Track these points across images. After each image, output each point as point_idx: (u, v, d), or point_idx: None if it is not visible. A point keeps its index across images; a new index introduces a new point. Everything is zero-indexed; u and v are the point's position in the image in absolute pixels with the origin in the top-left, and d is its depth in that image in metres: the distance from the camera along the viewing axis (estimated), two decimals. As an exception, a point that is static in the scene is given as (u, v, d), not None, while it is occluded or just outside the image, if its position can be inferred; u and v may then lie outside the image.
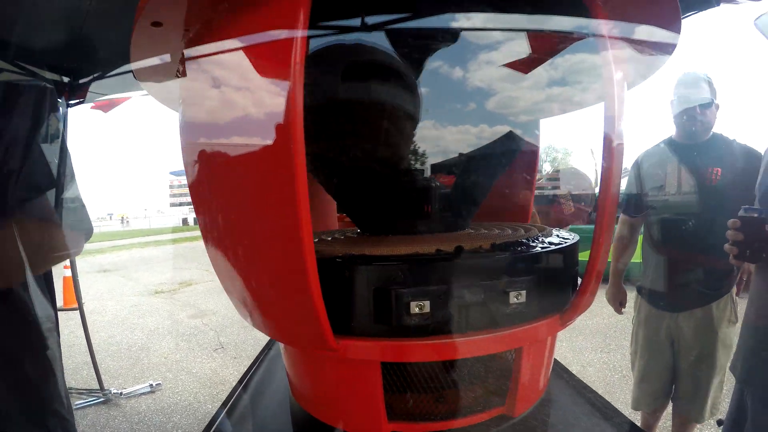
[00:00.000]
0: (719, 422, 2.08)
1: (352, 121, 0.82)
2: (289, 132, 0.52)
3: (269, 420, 1.01)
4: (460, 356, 0.68)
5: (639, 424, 2.80)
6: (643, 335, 2.55)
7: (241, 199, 0.64)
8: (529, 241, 0.75)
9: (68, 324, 6.57)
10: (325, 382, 0.77)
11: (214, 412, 1.06)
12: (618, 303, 2.72)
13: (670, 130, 2.43)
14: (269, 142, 0.55)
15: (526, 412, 0.77)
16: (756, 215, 1.43)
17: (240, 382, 1.24)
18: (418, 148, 0.89)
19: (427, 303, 0.61)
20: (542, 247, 0.72)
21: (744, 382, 1.67)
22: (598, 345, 4.85)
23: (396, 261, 0.64)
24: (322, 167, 0.87)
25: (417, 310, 0.61)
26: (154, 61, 0.75)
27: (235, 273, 0.70)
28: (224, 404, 1.09)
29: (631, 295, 2.71)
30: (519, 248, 0.71)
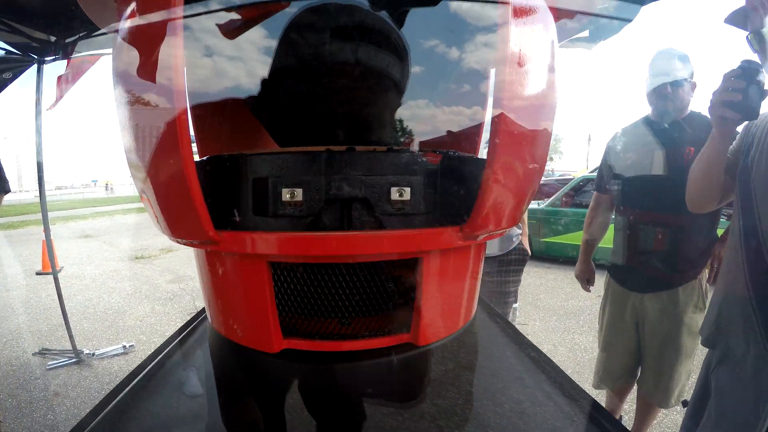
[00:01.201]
0: (684, 403, 2.09)
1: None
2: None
3: (194, 352, 1.04)
4: (342, 254, 0.65)
5: (604, 405, 2.86)
6: (608, 313, 2.56)
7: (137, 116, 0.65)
8: (435, 152, 0.72)
9: (45, 287, 6.60)
10: (223, 292, 0.78)
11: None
12: (585, 280, 2.74)
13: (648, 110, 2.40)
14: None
15: (436, 345, 0.76)
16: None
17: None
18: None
19: (300, 191, 0.61)
20: (440, 157, 0.70)
21: (708, 342, 1.71)
22: (570, 326, 4.90)
23: (278, 155, 0.64)
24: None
25: (288, 197, 0.61)
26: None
27: (141, 182, 0.69)
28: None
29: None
30: (414, 154, 0.68)
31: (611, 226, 2.67)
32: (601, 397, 2.73)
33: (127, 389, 0.91)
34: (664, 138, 2.25)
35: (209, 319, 0.87)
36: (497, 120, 0.61)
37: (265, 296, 0.66)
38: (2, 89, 3.46)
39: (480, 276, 0.87)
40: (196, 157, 0.89)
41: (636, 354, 2.48)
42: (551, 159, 38.33)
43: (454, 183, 0.70)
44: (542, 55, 0.69)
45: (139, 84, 0.63)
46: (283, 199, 0.61)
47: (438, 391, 0.77)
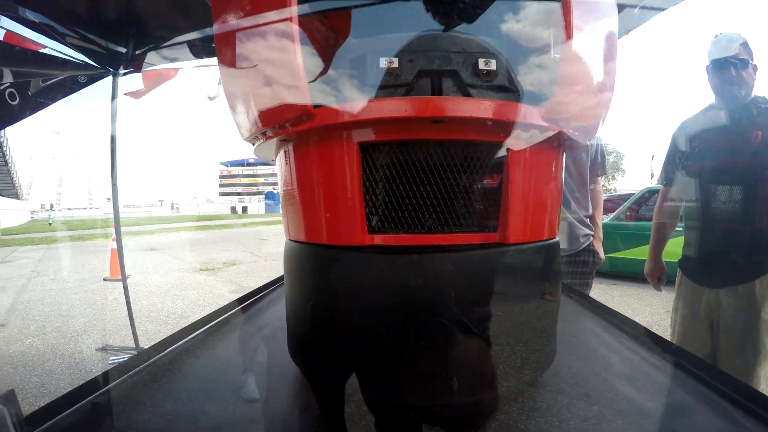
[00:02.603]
0: None
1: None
2: None
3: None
4: (429, 115, 0.63)
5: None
6: (681, 312, 2.40)
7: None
8: None
9: (113, 292, 6.94)
10: (310, 190, 0.78)
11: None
12: (655, 278, 2.59)
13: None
14: None
15: (525, 246, 0.74)
16: None
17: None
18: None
19: (396, 60, 0.62)
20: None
21: None
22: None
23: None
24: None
25: (385, 64, 0.62)
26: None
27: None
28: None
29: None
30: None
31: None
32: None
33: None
34: (731, 123, 2.12)
35: (289, 234, 0.89)
36: None
37: (354, 185, 0.67)
38: (75, 91, 3.64)
39: (559, 201, 0.85)
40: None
41: (711, 355, 2.29)
42: (613, 178, 37.30)
43: (539, 65, 0.70)
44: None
45: None
46: (380, 66, 0.62)
47: (520, 295, 0.75)
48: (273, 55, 0.65)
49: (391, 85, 0.63)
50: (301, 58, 0.62)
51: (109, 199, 4.62)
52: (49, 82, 3.33)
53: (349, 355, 0.77)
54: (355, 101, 0.64)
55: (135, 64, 3.86)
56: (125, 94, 4.37)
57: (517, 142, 0.66)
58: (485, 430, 0.79)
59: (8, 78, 2.87)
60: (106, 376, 1.05)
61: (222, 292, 7.52)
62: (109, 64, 3.75)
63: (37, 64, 3.15)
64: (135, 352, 4.30)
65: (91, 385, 1.01)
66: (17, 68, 2.95)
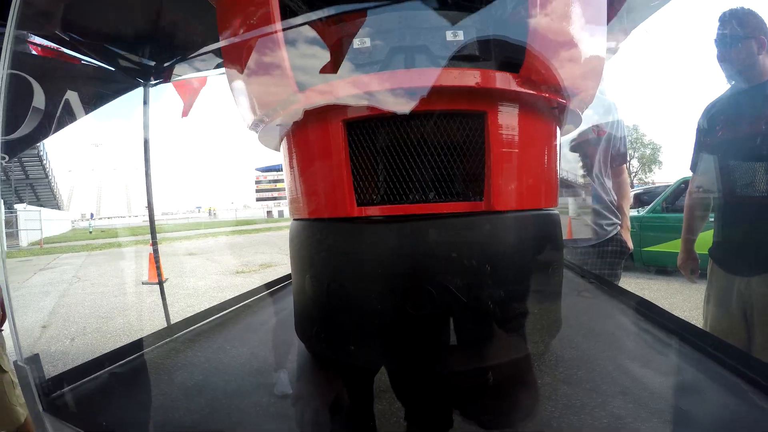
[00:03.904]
0: None
1: None
2: None
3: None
4: (404, 86, 0.65)
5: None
6: (713, 303, 2.31)
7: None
8: None
9: (151, 295, 7.15)
10: (304, 170, 0.83)
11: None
12: (689, 270, 2.51)
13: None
14: None
15: (513, 214, 0.75)
16: None
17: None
18: None
19: (368, 39, 0.65)
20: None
21: None
22: None
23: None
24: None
25: (358, 44, 0.66)
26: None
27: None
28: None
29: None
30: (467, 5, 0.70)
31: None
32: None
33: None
34: (757, 103, 2.03)
35: (292, 214, 0.95)
36: None
37: (341, 160, 0.71)
38: (106, 102, 3.77)
39: (555, 172, 0.85)
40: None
41: (745, 345, 2.17)
42: (650, 170, 36.32)
43: (509, 31, 0.70)
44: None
45: None
46: (354, 46, 0.67)
47: (512, 263, 0.75)
48: (261, 50, 0.71)
49: (367, 63, 0.67)
50: (284, 48, 0.67)
51: (146, 206, 4.74)
52: (84, 93, 3.45)
53: (344, 324, 0.80)
54: (336, 81, 0.70)
55: (164, 75, 3.98)
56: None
57: (492, 109, 0.67)
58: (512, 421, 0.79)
59: (41, 91, 2.99)
60: (125, 349, 1.12)
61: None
62: (139, 76, 3.87)
63: (72, 77, 3.28)
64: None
65: (111, 356, 1.08)
66: (53, 81, 3.08)
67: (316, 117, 0.73)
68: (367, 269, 0.76)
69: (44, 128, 3.28)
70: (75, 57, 3.30)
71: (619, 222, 2.75)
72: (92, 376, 1.03)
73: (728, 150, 2.14)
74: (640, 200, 9.14)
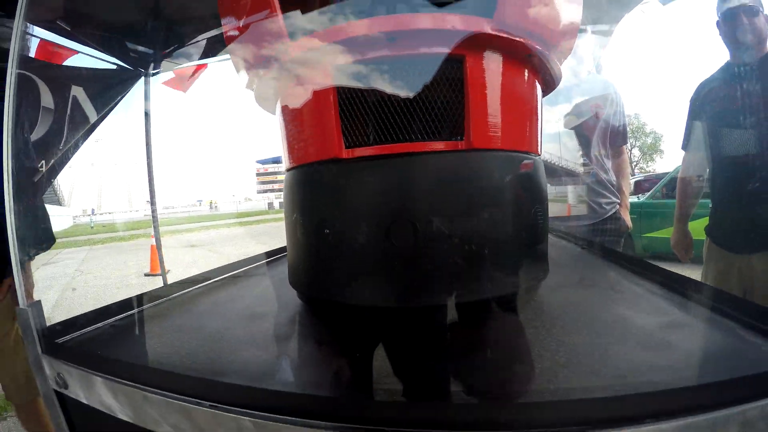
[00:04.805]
0: None
1: None
2: None
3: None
4: (386, 30, 0.70)
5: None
6: (711, 283, 2.25)
7: None
8: None
9: (154, 286, 7.12)
10: (297, 120, 0.88)
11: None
12: (683, 250, 2.50)
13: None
14: None
15: (493, 153, 0.79)
16: None
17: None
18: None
19: None
20: None
21: None
22: None
23: None
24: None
25: None
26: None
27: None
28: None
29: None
30: None
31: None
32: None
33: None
34: (752, 79, 1.99)
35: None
36: None
37: (330, 106, 0.76)
38: (120, 94, 3.79)
39: (539, 118, 0.88)
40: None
41: None
42: (652, 159, 36.25)
43: None
44: None
45: None
46: None
47: (493, 200, 0.78)
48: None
49: (352, 12, 0.72)
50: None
51: (148, 201, 4.76)
52: (92, 92, 3.47)
53: (333, 261, 0.83)
54: (323, 29, 0.74)
55: (164, 63, 3.99)
56: (171, 86, 4.46)
57: (467, 52, 0.71)
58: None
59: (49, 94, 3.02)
60: (126, 303, 1.17)
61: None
62: (139, 65, 3.88)
63: (76, 76, 3.32)
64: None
65: (112, 309, 1.12)
66: (58, 82, 3.12)
67: (304, 65, 0.79)
68: (355, 206, 0.82)
69: (60, 130, 3.33)
70: (74, 49, 3.33)
71: (618, 201, 2.77)
72: (94, 326, 1.07)
73: (723, 128, 2.12)
74: (641, 187, 9.16)
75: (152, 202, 4.78)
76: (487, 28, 0.72)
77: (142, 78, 3.96)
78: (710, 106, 2.19)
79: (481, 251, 0.77)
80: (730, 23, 2.01)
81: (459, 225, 0.75)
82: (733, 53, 2.09)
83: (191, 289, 1.40)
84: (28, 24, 1.91)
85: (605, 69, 3.13)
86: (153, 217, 4.85)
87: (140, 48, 3.72)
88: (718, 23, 2.09)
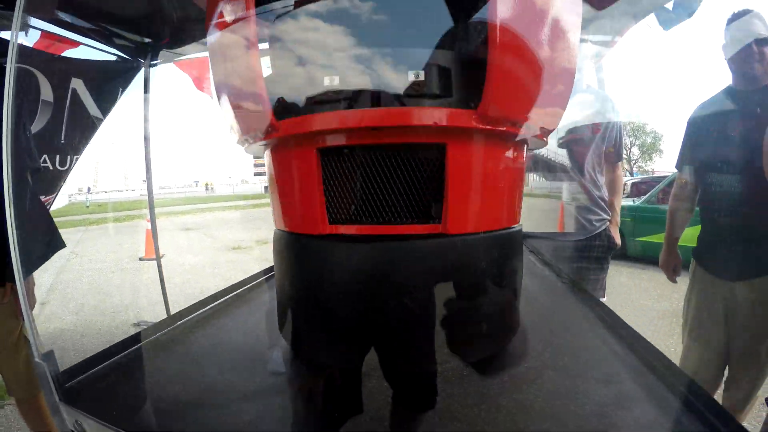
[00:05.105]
0: (767, 400, 1.78)
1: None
2: None
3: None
4: (368, 125, 0.74)
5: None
6: (694, 304, 2.31)
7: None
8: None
9: (148, 271, 7.20)
10: (283, 187, 0.94)
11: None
12: (671, 270, 2.49)
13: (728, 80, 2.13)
14: None
15: (469, 237, 0.82)
16: None
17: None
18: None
19: (336, 78, 0.73)
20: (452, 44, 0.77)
21: None
22: (661, 328, 4.55)
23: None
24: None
25: (328, 82, 0.72)
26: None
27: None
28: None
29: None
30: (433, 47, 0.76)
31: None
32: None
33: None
34: (752, 107, 1.99)
35: (275, 223, 1.04)
36: None
37: (314, 183, 0.80)
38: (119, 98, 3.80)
39: (520, 189, 0.91)
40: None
41: (724, 352, 2.21)
42: (650, 159, 36.34)
43: (468, 72, 0.76)
44: None
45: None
46: (324, 84, 0.73)
47: (464, 282, 0.81)
48: (241, 79, 0.80)
49: (335, 100, 0.74)
50: (263, 82, 0.75)
51: (144, 181, 4.77)
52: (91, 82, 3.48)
53: (314, 329, 0.91)
54: (309, 114, 0.77)
55: (159, 54, 4.00)
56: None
57: (452, 141, 0.74)
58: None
59: (49, 88, 3.03)
60: (132, 339, 1.22)
61: (254, 270, 7.67)
62: (139, 56, 3.91)
63: (77, 68, 3.35)
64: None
65: (118, 347, 1.16)
66: (59, 75, 3.14)
67: (293, 142, 0.83)
68: (335, 281, 0.86)
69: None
70: (75, 41, 3.33)
71: (609, 218, 2.79)
72: (103, 365, 1.10)
73: (719, 154, 2.12)
74: (637, 189, 9.19)
75: (149, 192, 4.79)
76: (471, 122, 0.74)
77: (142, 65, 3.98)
78: (707, 130, 2.19)
79: (452, 325, 0.82)
80: (739, 50, 2.00)
81: (427, 306, 0.80)
82: (737, 79, 2.09)
83: (193, 316, 1.41)
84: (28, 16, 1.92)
85: (605, 82, 3.13)
86: (150, 205, 4.86)
87: (138, 37, 3.72)
88: (724, 47, 2.08)
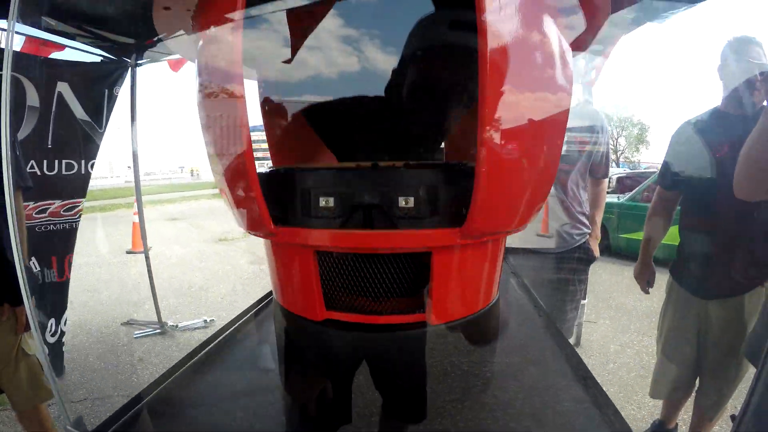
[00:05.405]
0: (732, 417, 1.83)
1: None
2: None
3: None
4: (363, 246, 0.83)
5: (660, 414, 2.71)
6: (669, 320, 2.42)
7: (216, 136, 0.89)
8: (444, 163, 0.91)
9: (136, 265, 7.15)
10: (282, 273, 1.01)
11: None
12: (644, 281, 2.58)
13: (715, 101, 2.15)
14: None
15: (448, 326, 0.90)
16: None
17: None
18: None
19: (331, 199, 0.79)
20: (440, 167, 0.86)
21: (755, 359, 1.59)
22: (641, 328, 4.65)
23: (317, 170, 0.85)
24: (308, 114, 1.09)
25: (324, 203, 0.79)
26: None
27: (220, 181, 0.93)
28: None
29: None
30: (421, 167, 0.83)
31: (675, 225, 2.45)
32: (657, 406, 2.69)
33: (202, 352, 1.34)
34: (737, 131, 1.94)
35: (275, 296, 1.09)
36: (483, 116, 0.70)
37: (311, 276, 0.86)
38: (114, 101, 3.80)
39: (498, 267, 0.98)
40: (268, 164, 1.16)
41: (695, 365, 2.30)
42: (637, 150, 36.60)
43: (455, 191, 0.82)
44: (537, 46, 0.79)
45: (213, 107, 0.87)
46: (320, 205, 0.81)
47: (446, 365, 0.89)
48: (238, 182, 0.87)
49: (330, 217, 0.81)
50: (259, 190, 0.81)
51: (129, 167, 4.77)
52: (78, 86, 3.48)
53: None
54: (307, 228, 0.85)
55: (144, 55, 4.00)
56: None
57: (435, 250, 0.82)
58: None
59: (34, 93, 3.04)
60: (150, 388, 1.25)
61: (241, 263, 7.79)
62: (124, 56, 3.91)
63: (64, 71, 3.36)
64: (158, 327, 4.60)
65: (137, 398, 1.21)
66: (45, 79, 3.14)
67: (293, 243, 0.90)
68: (331, 360, 0.97)
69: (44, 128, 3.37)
70: (61, 44, 3.33)
71: (589, 231, 2.86)
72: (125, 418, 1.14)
73: (700, 172, 2.15)
74: (622, 185, 9.28)
75: (137, 184, 4.78)
76: (456, 239, 0.81)
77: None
78: (691, 151, 2.22)
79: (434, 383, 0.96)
80: (735, 75, 2.03)
81: (410, 385, 0.93)
82: (727, 102, 2.11)
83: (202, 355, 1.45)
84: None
85: (595, 97, 3.10)
86: (137, 198, 4.86)
87: (123, 38, 3.71)
88: (720, 68, 2.09)
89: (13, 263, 1.79)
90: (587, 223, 2.86)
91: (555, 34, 0.80)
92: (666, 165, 2.41)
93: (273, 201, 0.83)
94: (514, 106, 0.74)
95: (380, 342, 0.91)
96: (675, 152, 2.33)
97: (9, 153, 1.56)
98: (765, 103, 1.97)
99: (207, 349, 1.45)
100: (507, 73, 0.70)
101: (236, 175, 0.85)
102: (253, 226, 0.93)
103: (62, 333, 3.53)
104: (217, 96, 0.84)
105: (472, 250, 0.89)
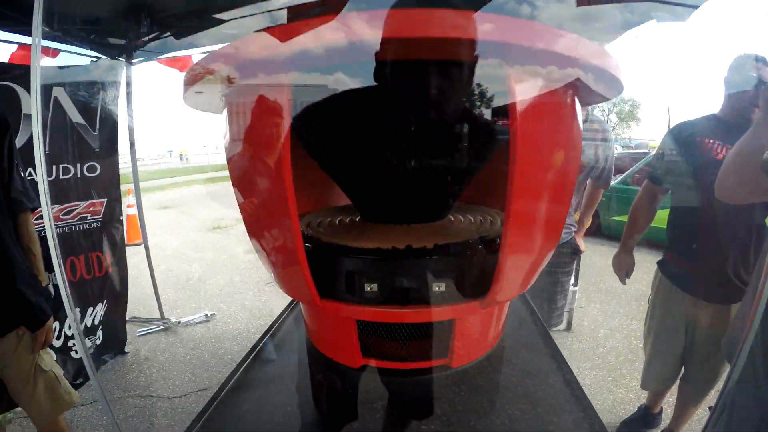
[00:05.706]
0: (710, 408, 1.88)
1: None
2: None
3: (293, 355, 1.45)
4: (400, 321, 0.94)
5: (645, 399, 2.90)
6: (659, 315, 2.51)
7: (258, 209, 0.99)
8: (469, 242, 0.97)
9: (132, 259, 7.09)
10: (323, 329, 1.11)
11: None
12: (624, 273, 2.67)
13: (713, 107, 2.22)
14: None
15: (466, 366, 1.03)
16: None
17: (268, 331, 1.63)
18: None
19: (375, 285, 0.91)
20: (468, 252, 0.95)
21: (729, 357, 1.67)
22: (631, 311, 4.81)
23: (360, 254, 0.94)
24: (329, 168, 1.12)
25: (369, 288, 0.91)
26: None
27: (263, 254, 1.03)
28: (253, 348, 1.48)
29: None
30: (451, 252, 0.94)
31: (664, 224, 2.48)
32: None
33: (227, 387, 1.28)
34: (731, 136, 1.96)
35: (309, 337, 1.21)
36: (509, 206, 0.80)
37: (353, 336, 0.99)
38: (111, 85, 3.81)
39: (504, 316, 1.14)
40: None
41: (681, 358, 2.42)
42: (628, 126, 36.75)
43: (480, 269, 0.95)
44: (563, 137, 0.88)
45: (258, 194, 0.96)
46: (365, 290, 0.92)
47: (467, 400, 1.01)
48: (284, 254, 0.95)
49: (373, 298, 0.92)
50: (308, 270, 0.89)
51: (126, 160, 4.79)
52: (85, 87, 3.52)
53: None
54: (352, 305, 0.95)
55: (144, 52, 4.03)
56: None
57: (457, 317, 0.96)
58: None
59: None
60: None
61: (237, 252, 7.81)
62: (119, 55, 3.97)
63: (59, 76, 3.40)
64: (161, 324, 4.67)
65: None
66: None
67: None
68: (366, 406, 1.07)
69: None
70: (56, 49, 3.37)
71: (575, 229, 2.98)
72: None
73: (693, 173, 2.18)
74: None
75: (136, 187, 4.81)
76: (478, 309, 0.94)
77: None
78: (686, 151, 2.24)
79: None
80: (740, 86, 2.07)
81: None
82: (726, 110, 2.17)
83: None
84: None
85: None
86: (136, 195, 4.88)
87: (116, 39, 3.83)
88: (726, 80, 2.14)
89: (30, 287, 1.90)
90: (574, 222, 3.00)
91: (578, 112, 0.90)
92: (657, 160, 2.49)
93: (317, 275, 0.92)
94: (540, 185, 0.84)
95: (407, 384, 1.04)
96: (668, 149, 2.37)
97: (44, 171, 1.62)
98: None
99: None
100: (535, 161, 0.80)
101: (284, 255, 0.94)
102: (298, 297, 1.08)
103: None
104: (263, 188, 0.92)
105: (492, 309, 1.03)
